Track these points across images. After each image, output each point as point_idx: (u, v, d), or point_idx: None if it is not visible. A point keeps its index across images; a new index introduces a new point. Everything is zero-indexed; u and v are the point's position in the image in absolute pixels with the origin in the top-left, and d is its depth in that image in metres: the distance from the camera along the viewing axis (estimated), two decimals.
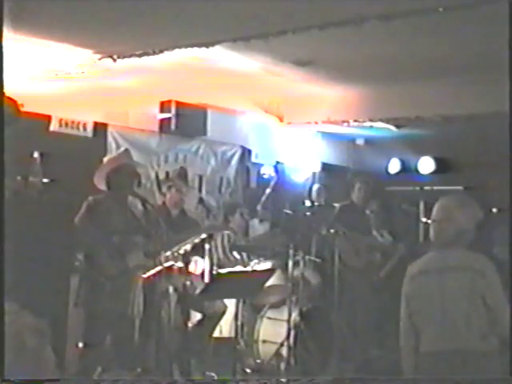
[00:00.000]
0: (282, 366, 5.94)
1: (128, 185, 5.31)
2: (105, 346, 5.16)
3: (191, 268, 5.77)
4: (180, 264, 5.28)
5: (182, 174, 6.23)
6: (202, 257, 5.82)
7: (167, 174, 7.17)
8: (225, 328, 6.00)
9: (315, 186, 8.41)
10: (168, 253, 5.09)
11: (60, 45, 5.50)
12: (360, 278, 6.92)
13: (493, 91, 4.95)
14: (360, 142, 9.18)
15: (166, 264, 4.92)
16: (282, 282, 6.28)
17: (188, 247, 5.46)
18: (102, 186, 5.28)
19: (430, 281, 3.57)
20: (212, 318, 5.89)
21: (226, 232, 6.67)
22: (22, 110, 4.39)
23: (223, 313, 5.92)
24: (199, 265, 5.77)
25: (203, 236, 5.60)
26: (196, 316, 5.85)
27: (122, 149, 6.16)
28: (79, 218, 5.16)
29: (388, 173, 9.52)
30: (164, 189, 6.17)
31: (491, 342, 3.36)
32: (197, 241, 5.54)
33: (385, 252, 7.18)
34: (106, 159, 5.75)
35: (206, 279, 5.66)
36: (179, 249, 5.38)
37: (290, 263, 6.05)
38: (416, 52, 5.69)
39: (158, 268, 4.85)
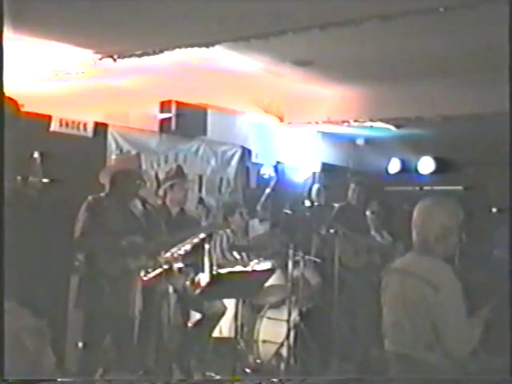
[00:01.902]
0: (282, 365, 5.95)
1: (132, 190, 5.31)
2: (105, 347, 5.15)
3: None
4: (180, 264, 5.28)
5: (180, 172, 6.23)
6: (202, 257, 5.82)
7: (166, 173, 7.16)
8: (225, 328, 6.00)
9: (315, 186, 8.40)
10: (168, 253, 5.09)
11: (60, 45, 5.50)
12: (360, 278, 6.91)
13: (493, 91, 4.95)
14: (360, 142, 9.18)
15: (166, 265, 4.92)
16: (281, 282, 6.28)
17: (188, 247, 5.46)
18: (106, 182, 5.29)
19: (391, 283, 3.60)
20: (212, 318, 5.89)
21: (226, 231, 6.67)
22: (22, 110, 4.38)
23: (223, 313, 5.91)
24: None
25: (202, 236, 5.60)
26: (196, 316, 5.85)
27: (134, 152, 6.15)
28: (80, 218, 5.15)
29: (388, 173, 9.53)
30: (164, 189, 6.15)
31: (436, 354, 3.36)
32: (196, 241, 5.54)
33: (384, 252, 7.17)
34: (115, 158, 5.75)
35: (206, 279, 5.66)
36: (179, 249, 5.38)
37: (290, 263, 6.05)
38: (416, 52, 5.69)
39: (158, 270, 4.85)
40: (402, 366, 3.45)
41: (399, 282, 3.53)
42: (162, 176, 7.09)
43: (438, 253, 3.45)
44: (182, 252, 5.36)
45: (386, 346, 3.60)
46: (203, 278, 5.79)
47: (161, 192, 6.13)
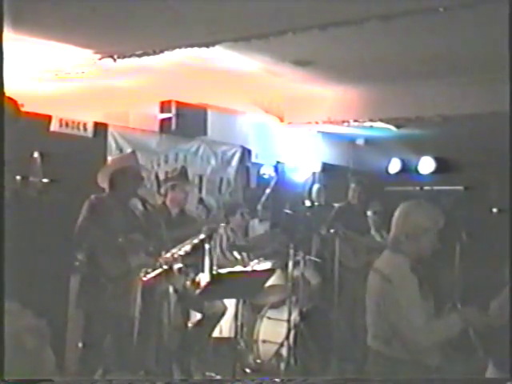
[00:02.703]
0: (282, 365, 5.94)
1: (131, 188, 5.30)
2: (105, 347, 5.15)
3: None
4: (180, 265, 5.28)
5: (184, 173, 6.23)
6: (202, 257, 5.82)
7: (167, 173, 7.16)
8: (225, 328, 6.00)
9: (315, 186, 8.41)
10: (168, 254, 5.09)
11: (60, 45, 5.50)
12: (360, 277, 6.91)
13: (493, 91, 4.95)
14: (360, 142, 9.18)
15: (166, 265, 4.92)
16: (281, 282, 6.28)
17: (188, 248, 5.46)
18: (105, 185, 5.28)
19: (369, 278, 3.68)
20: (212, 318, 5.89)
21: (226, 231, 6.67)
22: (22, 110, 4.38)
23: (223, 313, 5.92)
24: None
25: (202, 236, 5.60)
26: (196, 316, 5.85)
27: (129, 150, 6.13)
28: (82, 217, 5.14)
29: (388, 173, 9.52)
30: (165, 188, 6.16)
31: (394, 348, 3.39)
32: (196, 241, 5.54)
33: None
34: (111, 158, 5.73)
35: (206, 279, 5.66)
36: (179, 250, 5.38)
37: (290, 263, 6.05)
38: (416, 52, 5.69)
39: (158, 271, 4.85)
40: (376, 362, 3.50)
41: (370, 278, 3.63)
42: (162, 176, 7.12)
43: (407, 251, 3.49)
44: (182, 252, 5.36)
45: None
46: (203, 278, 5.79)
47: (162, 191, 6.13)
